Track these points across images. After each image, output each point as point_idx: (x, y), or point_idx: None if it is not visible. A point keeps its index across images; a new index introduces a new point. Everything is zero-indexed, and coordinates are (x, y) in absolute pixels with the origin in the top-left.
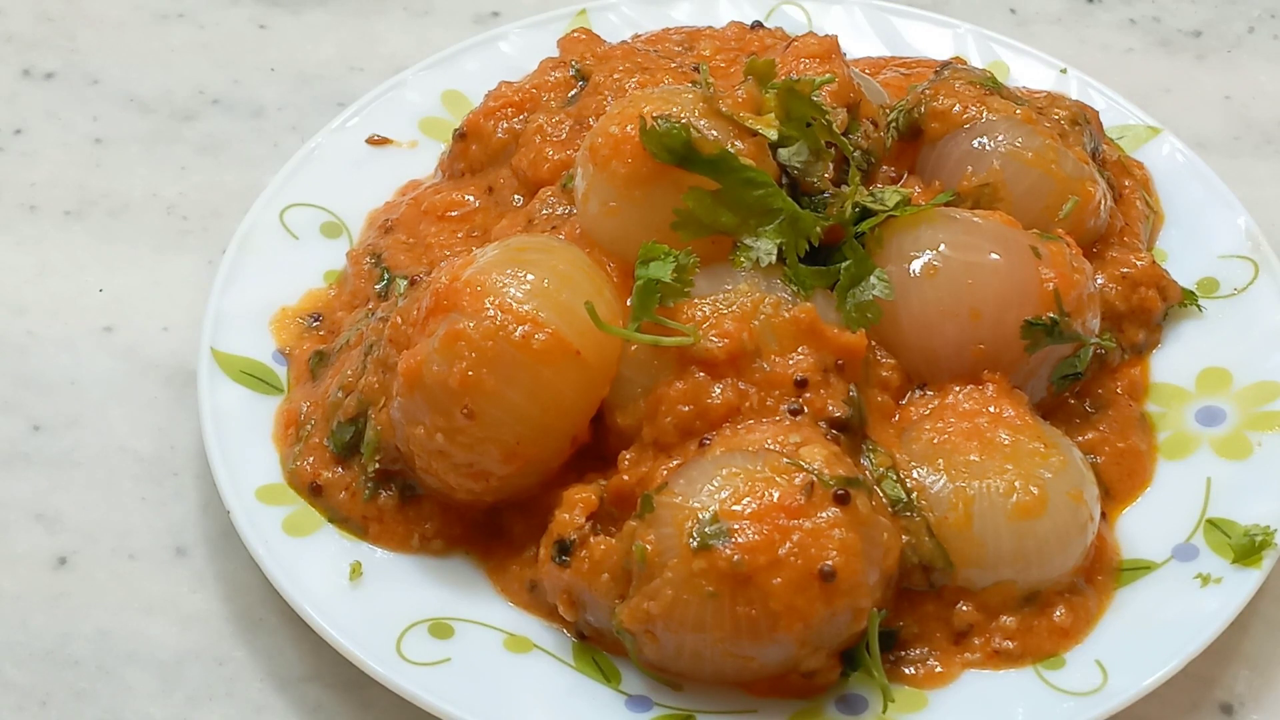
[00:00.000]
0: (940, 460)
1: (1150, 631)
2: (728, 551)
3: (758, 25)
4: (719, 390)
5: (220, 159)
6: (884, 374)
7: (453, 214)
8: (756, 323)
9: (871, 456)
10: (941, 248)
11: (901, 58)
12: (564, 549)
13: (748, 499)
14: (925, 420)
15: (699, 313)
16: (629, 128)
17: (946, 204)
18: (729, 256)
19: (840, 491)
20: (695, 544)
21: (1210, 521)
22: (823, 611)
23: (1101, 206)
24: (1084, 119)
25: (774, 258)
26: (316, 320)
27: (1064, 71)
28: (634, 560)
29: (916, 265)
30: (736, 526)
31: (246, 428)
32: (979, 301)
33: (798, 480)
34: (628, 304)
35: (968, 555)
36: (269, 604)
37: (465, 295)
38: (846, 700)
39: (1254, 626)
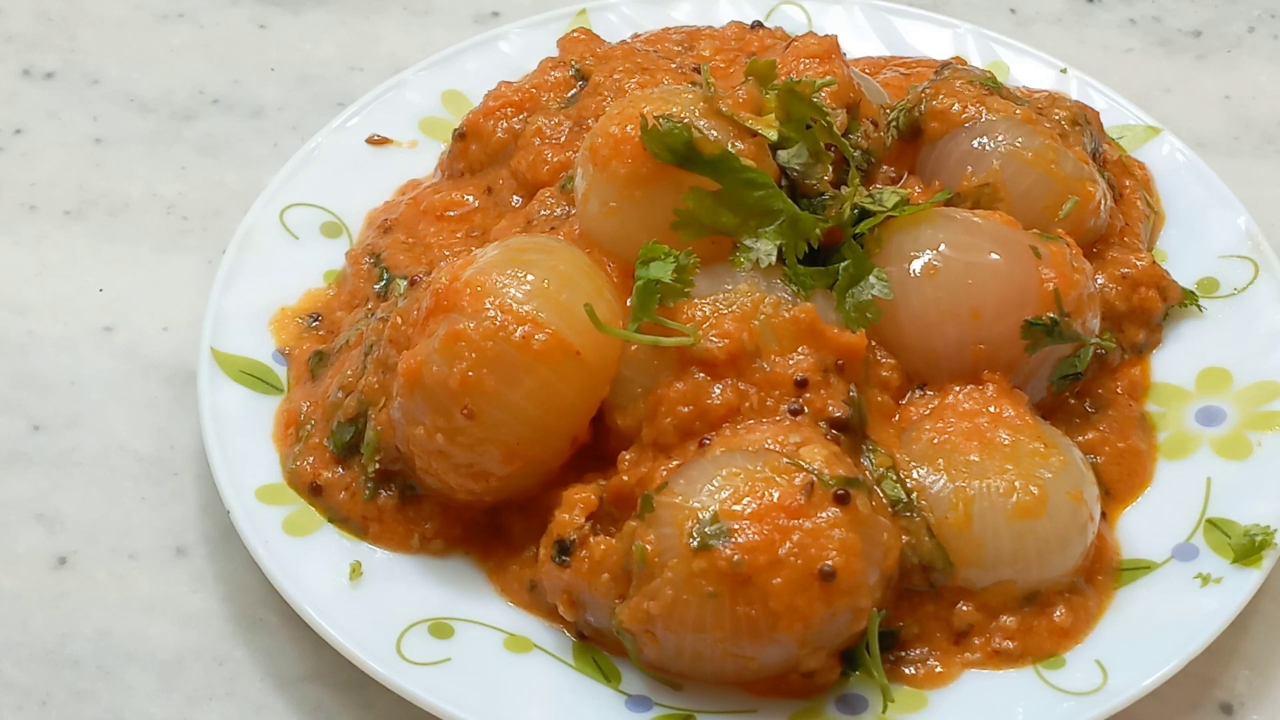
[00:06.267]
0: (940, 460)
1: (1150, 631)
2: (728, 551)
3: (758, 25)
4: (719, 390)
5: (220, 159)
6: (884, 374)
7: (452, 214)
8: (756, 323)
9: (871, 456)
10: (941, 248)
11: (901, 58)
12: (564, 549)
13: (748, 499)
14: (925, 420)
15: (699, 313)
16: (629, 128)
17: (946, 203)
18: (729, 257)
19: (840, 491)
20: (695, 544)
21: (1210, 521)
22: (823, 611)
23: (1101, 206)
24: (1084, 119)
25: (774, 259)
26: (316, 320)
27: (1064, 71)
28: (634, 560)
29: (917, 265)
30: (736, 526)
31: (246, 428)
32: (979, 301)
33: (798, 480)
34: (628, 304)
35: (968, 555)
36: (269, 604)
37: (465, 295)
38: (846, 700)
39: (1254, 626)
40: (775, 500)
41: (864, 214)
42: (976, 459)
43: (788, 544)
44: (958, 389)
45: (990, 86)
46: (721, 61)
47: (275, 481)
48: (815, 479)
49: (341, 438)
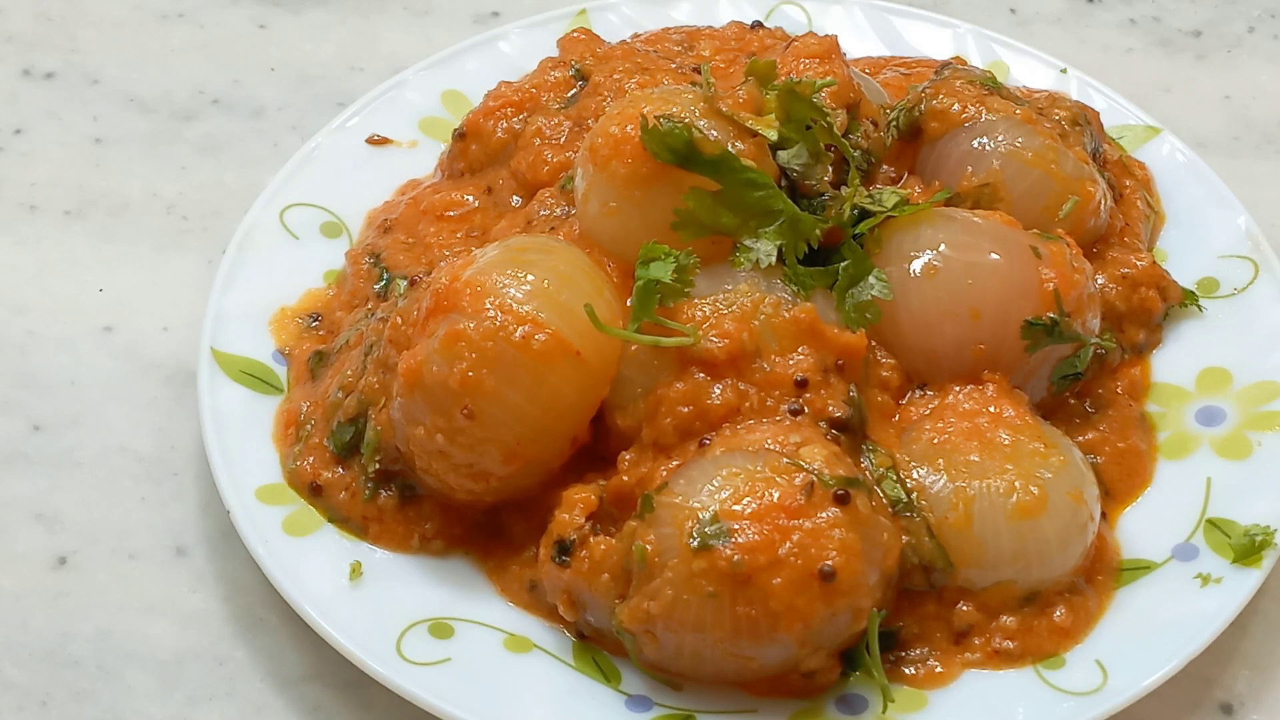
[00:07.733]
0: (940, 460)
1: (1150, 631)
2: (728, 551)
3: (758, 25)
4: (719, 391)
5: (220, 159)
6: (884, 374)
7: (451, 214)
8: (756, 323)
9: (871, 456)
10: (941, 248)
11: (901, 58)
12: (564, 549)
13: (748, 499)
14: (925, 420)
15: (699, 313)
16: (629, 128)
17: (946, 203)
18: (729, 257)
19: (840, 491)
20: (695, 544)
21: (1210, 521)
22: (823, 611)
23: (1101, 206)
24: (1084, 119)
25: (774, 259)
26: (316, 320)
27: (1064, 71)
28: (634, 560)
29: (917, 265)
30: (736, 526)
31: (246, 428)
32: (979, 301)
33: (798, 480)
34: (628, 304)
35: (968, 555)
36: (269, 604)
37: (465, 296)
38: (846, 700)
39: (1254, 626)
40: (775, 500)
41: (864, 214)
42: (976, 459)
43: (788, 544)
44: (958, 389)
45: (990, 86)
46: (721, 61)
47: (275, 481)
48: (815, 479)
49: (341, 438)
